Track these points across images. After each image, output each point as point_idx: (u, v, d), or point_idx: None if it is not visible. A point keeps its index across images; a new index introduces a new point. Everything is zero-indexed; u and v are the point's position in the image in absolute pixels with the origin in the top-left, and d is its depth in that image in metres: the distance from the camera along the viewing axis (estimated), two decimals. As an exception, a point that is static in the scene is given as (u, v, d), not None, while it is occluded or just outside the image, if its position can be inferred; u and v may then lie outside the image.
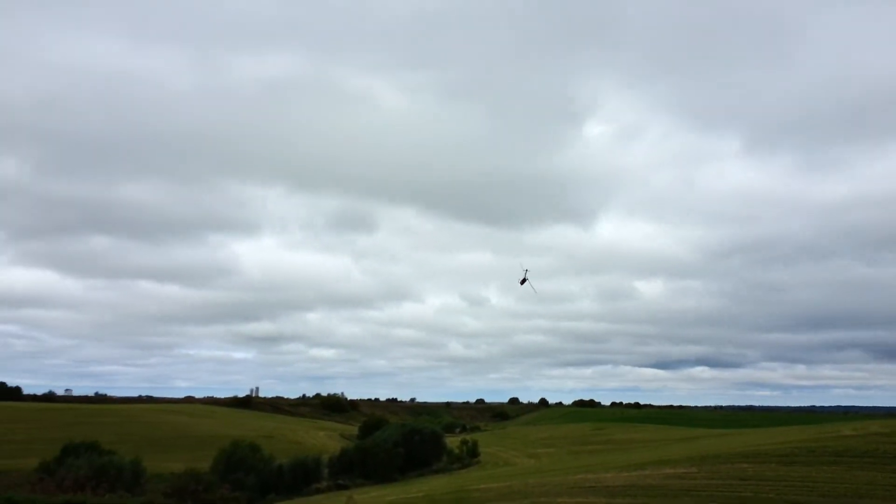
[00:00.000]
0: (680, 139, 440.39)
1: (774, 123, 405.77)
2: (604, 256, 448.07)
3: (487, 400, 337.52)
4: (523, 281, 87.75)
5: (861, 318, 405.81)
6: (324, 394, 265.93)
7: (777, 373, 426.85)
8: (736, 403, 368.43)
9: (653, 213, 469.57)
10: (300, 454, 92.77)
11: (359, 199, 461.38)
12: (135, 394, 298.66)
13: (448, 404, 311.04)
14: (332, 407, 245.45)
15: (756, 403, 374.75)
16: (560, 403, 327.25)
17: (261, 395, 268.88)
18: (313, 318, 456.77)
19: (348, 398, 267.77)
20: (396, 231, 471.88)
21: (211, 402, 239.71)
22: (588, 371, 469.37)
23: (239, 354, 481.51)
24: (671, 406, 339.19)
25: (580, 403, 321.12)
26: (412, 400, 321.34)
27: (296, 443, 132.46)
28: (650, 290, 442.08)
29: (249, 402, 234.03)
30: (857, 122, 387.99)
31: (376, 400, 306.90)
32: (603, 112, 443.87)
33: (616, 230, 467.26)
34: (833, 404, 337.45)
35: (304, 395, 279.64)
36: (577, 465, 73.51)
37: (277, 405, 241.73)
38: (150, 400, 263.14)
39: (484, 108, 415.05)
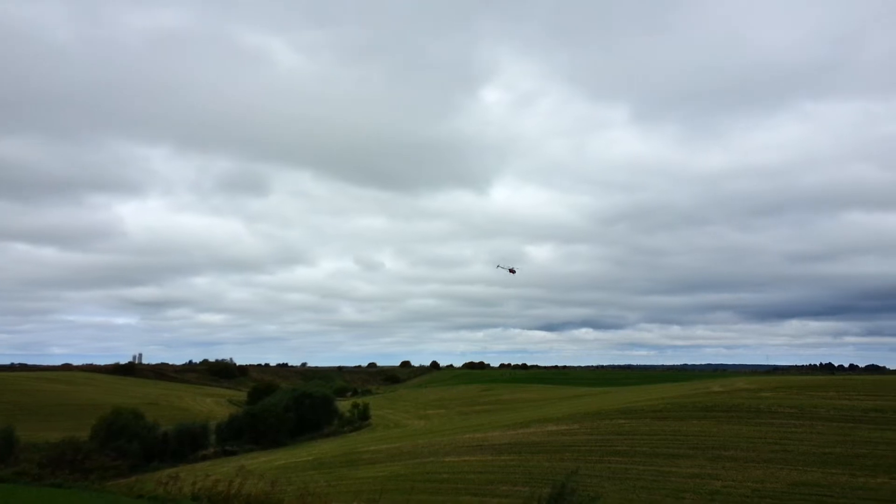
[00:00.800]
0: (573, 108, 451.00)
1: (661, 95, 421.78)
2: (497, 222, 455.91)
3: (380, 364, 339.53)
4: (512, 270, 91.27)
5: (733, 281, 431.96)
6: (211, 359, 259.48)
7: (654, 333, 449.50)
8: (616, 363, 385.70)
9: (545, 180, 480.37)
10: (186, 421, 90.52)
11: (251, 160, 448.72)
12: (6, 361, 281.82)
13: (340, 368, 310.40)
14: (220, 373, 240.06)
15: (634, 363, 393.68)
16: (451, 366, 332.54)
17: (144, 361, 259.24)
18: (201, 282, 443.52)
19: (237, 364, 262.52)
20: (290, 195, 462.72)
21: (91, 369, 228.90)
22: (479, 334, 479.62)
23: (121, 320, 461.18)
24: (556, 367, 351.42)
25: (470, 365, 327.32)
26: (303, 365, 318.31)
27: (182, 409, 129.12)
28: (541, 254, 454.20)
29: (132, 369, 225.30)
30: (739, 94, 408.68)
31: (266, 365, 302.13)
32: (500, 79, 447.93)
33: (510, 196, 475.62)
34: (704, 363, 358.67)
35: (190, 361, 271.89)
36: (466, 425, 75.20)
37: (162, 372, 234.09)
38: (23, 368, 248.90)
39: (382, 70, 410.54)
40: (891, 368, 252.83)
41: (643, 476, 33.87)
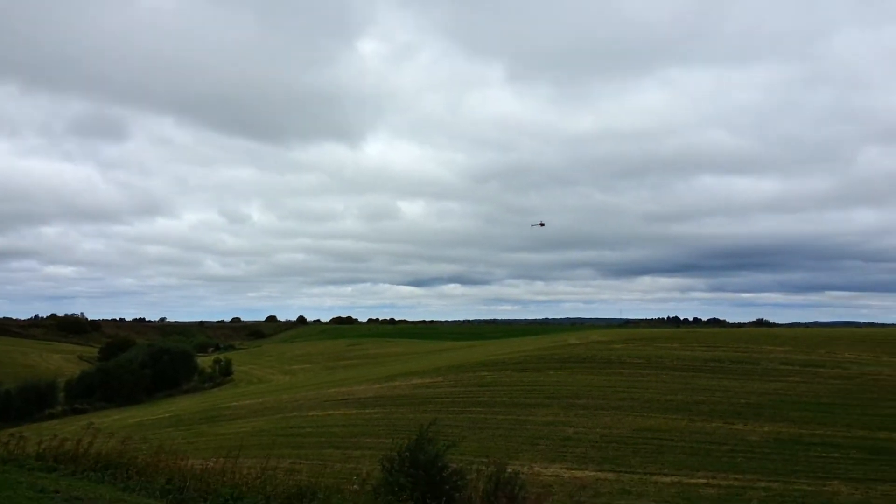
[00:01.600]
0: (450, 64, 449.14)
1: (536, 55, 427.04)
2: (370, 176, 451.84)
3: (245, 319, 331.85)
4: (542, 224, 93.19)
5: (594, 240, 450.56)
6: (60, 314, 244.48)
7: (519, 289, 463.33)
8: (482, 318, 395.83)
9: (420, 136, 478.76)
10: (32, 378, 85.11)
11: (108, 103, 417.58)
12: None
13: (202, 324, 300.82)
14: (69, 328, 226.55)
15: (499, 317, 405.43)
16: (318, 321, 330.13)
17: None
18: (50, 232, 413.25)
19: (89, 319, 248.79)
20: (151, 141, 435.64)
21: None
22: (348, 289, 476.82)
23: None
24: (424, 321, 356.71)
25: (338, 321, 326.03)
26: (162, 320, 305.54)
27: (27, 367, 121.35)
28: (412, 210, 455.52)
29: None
30: (609, 59, 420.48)
31: (122, 320, 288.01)
32: (377, 30, 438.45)
33: (383, 151, 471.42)
34: (564, 317, 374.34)
35: (36, 316, 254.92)
36: (332, 379, 75.15)
37: (5, 327, 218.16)
38: None
39: (253, 13, 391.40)
40: (730, 322, 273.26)
41: (502, 425, 35.17)
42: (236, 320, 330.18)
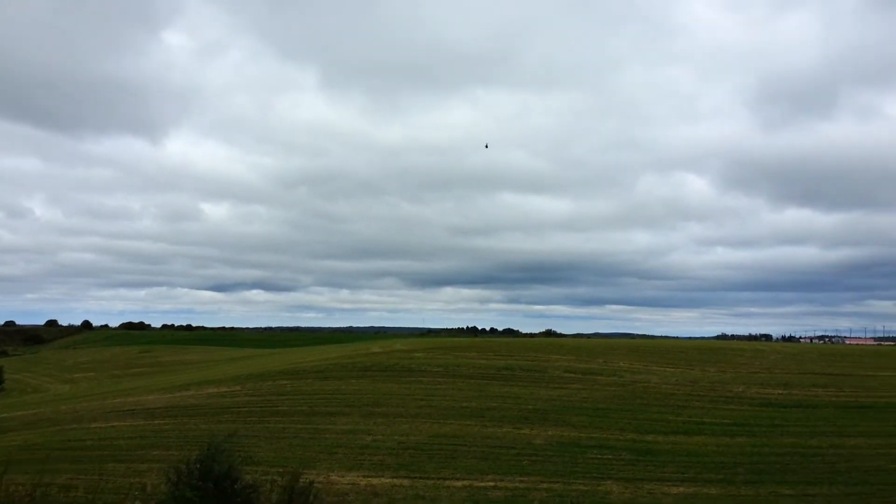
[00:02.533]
0: (261, 65, 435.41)
1: (352, 64, 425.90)
2: (171, 175, 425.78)
3: (20, 322, 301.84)
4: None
5: (401, 249, 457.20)
6: None
7: (324, 296, 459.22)
8: (286, 325, 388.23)
9: (227, 136, 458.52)
10: None
11: None
12: None
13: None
14: None
15: (303, 325, 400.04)
16: (106, 326, 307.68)
17: None
18: None
19: None
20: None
21: None
22: (142, 293, 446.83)
23: None
24: (224, 328, 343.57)
25: (129, 326, 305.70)
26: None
27: None
28: (216, 213, 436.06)
29: None
30: (422, 74, 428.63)
31: None
32: (185, 23, 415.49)
33: (187, 149, 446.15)
34: (369, 325, 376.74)
35: None
36: (119, 388, 70.41)
37: None
38: None
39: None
40: (523, 332, 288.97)
41: (300, 434, 34.89)
42: (10, 324, 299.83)
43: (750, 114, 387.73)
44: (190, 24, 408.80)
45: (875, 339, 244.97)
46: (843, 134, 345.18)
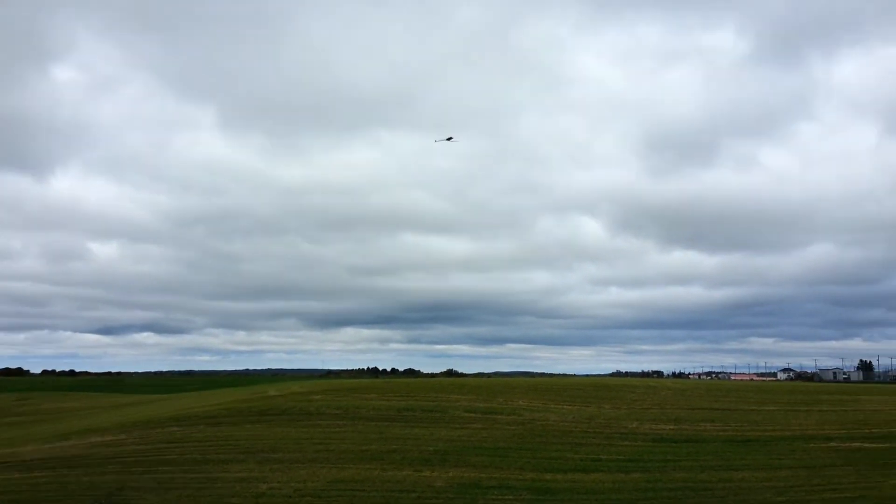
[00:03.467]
0: (157, 102, 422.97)
1: (251, 102, 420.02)
2: (57, 213, 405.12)
3: None
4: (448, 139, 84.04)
5: (300, 289, 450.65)
6: None
7: (219, 338, 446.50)
8: (178, 369, 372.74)
9: (118, 174, 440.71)
10: None
11: None
12: None
13: None
14: None
15: (197, 368, 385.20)
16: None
17: None
18: None
19: None
20: None
21: None
22: (21, 336, 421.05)
23: None
24: (110, 373, 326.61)
25: (5, 372, 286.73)
26: None
27: None
28: (105, 252, 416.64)
29: None
30: (323, 115, 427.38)
31: None
32: (76, 58, 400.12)
33: (74, 186, 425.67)
34: (266, 367, 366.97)
35: None
36: (-9, 440, 65.47)
37: None
38: None
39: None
40: (425, 372, 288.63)
41: (190, 484, 33.26)
42: None
43: (638, 161, 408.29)
44: (82, 59, 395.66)
45: (758, 374, 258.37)
46: (724, 181, 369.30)
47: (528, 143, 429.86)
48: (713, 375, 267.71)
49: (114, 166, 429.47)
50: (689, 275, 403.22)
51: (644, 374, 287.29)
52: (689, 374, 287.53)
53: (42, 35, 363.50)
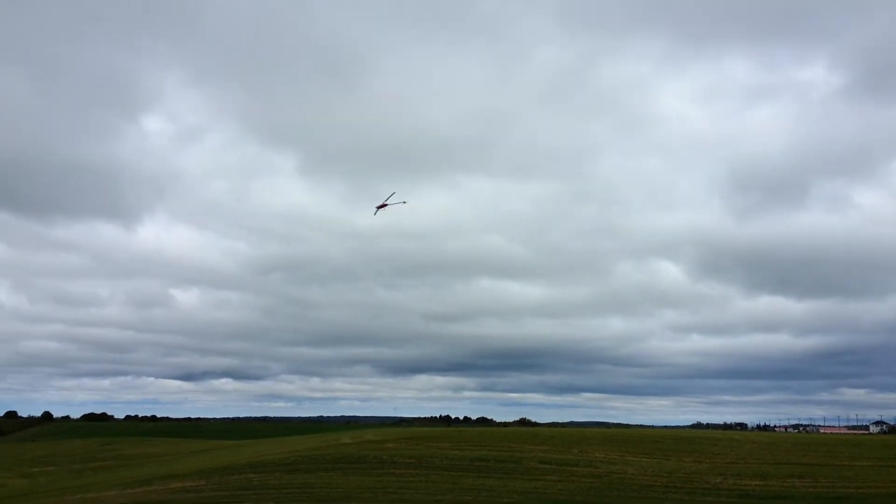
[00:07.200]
0: (240, 150, 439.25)
1: (330, 149, 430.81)
2: (142, 261, 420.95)
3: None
4: (382, 205, 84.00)
5: (373, 335, 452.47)
6: None
7: (294, 385, 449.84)
8: (254, 415, 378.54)
9: (201, 221, 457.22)
10: None
11: None
12: None
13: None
14: None
15: (272, 414, 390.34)
16: (67, 417, 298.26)
17: None
18: None
19: None
20: None
21: None
22: (105, 382, 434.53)
23: None
24: (190, 418, 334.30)
25: (90, 417, 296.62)
26: None
27: None
28: (186, 299, 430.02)
29: None
30: (399, 159, 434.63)
31: None
32: (164, 108, 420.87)
33: (159, 234, 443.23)
34: (339, 414, 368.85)
35: None
36: (78, 484, 67.64)
37: None
38: None
39: (25, 74, 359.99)
40: (498, 421, 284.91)
41: (267, 532, 33.52)
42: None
43: (722, 202, 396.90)
44: (169, 109, 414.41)
45: (849, 427, 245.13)
46: (815, 223, 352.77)
47: (607, 184, 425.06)
48: (801, 428, 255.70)
49: (197, 214, 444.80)
50: (775, 321, 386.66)
51: (727, 427, 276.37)
52: (775, 426, 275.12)
53: (132, 86, 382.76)
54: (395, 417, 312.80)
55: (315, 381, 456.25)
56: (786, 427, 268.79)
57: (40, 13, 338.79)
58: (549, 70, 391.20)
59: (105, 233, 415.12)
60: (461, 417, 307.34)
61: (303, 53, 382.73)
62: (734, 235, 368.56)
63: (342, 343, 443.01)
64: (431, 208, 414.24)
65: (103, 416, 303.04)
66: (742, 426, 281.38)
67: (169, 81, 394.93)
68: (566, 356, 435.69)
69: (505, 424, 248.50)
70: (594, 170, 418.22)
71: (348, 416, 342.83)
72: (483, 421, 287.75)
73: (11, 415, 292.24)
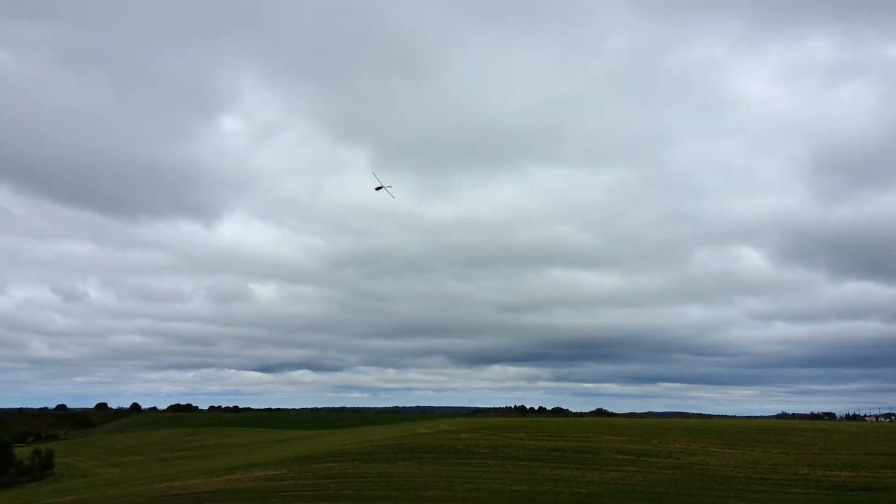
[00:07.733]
0: (313, 146, 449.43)
1: (400, 143, 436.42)
2: (222, 257, 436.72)
3: (71, 406, 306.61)
4: (379, 188, 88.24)
5: (446, 327, 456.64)
6: None
7: (370, 376, 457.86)
8: (331, 405, 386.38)
9: (277, 217, 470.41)
10: None
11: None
12: None
13: (21, 411, 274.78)
14: None
15: (349, 405, 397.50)
16: (154, 409, 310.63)
17: None
18: None
19: None
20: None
21: None
22: (190, 374, 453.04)
23: None
24: (270, 409, 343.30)
25: (176, 408, 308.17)
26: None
27: None
28: (265, 293, 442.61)
29: None
30: (470, 151, 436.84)
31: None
32: (240, 107, 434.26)
33: (238, 231, 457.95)
34: (414, 405, 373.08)
35: None
36: (166, 472, 70.26)
37: None
38: None
39: (108, 79, 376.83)
40: (573, 411, 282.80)
41: (347, 520, 33.99)
42: (61, 407, 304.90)
43: (805, 185, 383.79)
44: (245, 108, 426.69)
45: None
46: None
47: (682, 171, 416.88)
48: (892, 417, 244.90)
49: (273, 210, 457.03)
50: (864, 307, 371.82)
51: (814, 416, 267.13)
52: (865, 415, 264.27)
53: (210, 86, 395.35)
54: (469, 408, 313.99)
55: (390, 372, 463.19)
56: (876, 416, 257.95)
57: (121, 21, 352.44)
58: (621, 57, 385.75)
59: (187, 231, 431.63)
60: (536, 408, 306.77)
61: (372, 49, 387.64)
62: (819, 219, 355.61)
63: (416, 334, 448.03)
64: (502, 199, 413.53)
65: (188, 407, 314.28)
66: (830, 416, 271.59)
67: (244, 82, 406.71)
68: (642, 346, 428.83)
69: (581, 415, 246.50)
70: (669, 156, 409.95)
71: (423, 407, 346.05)
72: (558, 411, 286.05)
73: (102, 406, 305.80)
